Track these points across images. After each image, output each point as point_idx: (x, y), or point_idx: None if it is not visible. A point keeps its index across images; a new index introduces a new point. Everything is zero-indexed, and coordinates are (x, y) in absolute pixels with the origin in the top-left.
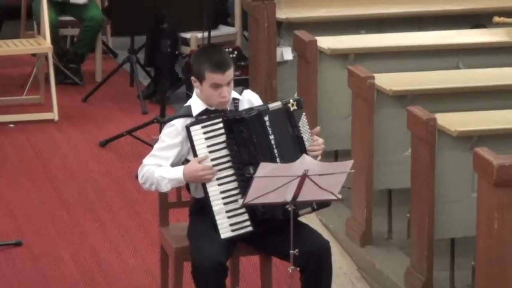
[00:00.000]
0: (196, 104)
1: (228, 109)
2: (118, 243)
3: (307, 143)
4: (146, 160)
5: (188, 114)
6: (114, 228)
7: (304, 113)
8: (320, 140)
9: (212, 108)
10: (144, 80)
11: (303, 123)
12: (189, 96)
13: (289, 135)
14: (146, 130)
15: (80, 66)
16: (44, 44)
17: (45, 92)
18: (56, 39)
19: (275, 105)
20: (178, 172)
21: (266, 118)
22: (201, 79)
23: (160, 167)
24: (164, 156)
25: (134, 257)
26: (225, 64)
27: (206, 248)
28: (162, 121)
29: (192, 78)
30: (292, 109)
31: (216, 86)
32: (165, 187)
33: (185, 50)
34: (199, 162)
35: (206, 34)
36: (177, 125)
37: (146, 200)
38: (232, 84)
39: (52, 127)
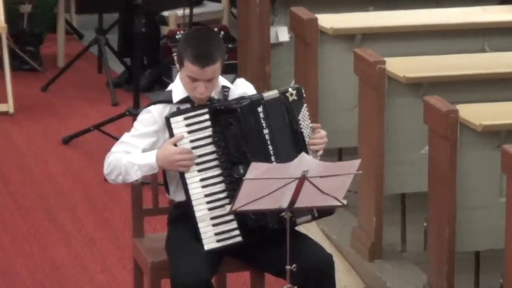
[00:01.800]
0: (177, 89)
1: (216, 98)
2: (84, 257)
3: (307, 140)
4: (114, 148)
5: (167, 100)
6: (80, 239)
7: (305, 105)
8: (323, 133)
9: None
10: (116, 66)
11: (304, 117)
12: (166, 84)
13: (287, 130)
14: (117, 124)
15: (39, 49)
16: None
17: None
18: (16, 17)
19: (270, 94)
20: (150, 157)
21: (260, 109)
22: (180, 63)
23: (129, 154)
24: (135, 144)
25: (102, 273)
26: (208, 58)
27: (187, 263)
28: (135, 114)
29: (176, 57)
30: (291, 99)
31: (193, 79)
32: (135, 175)
33: (163, 30)
34: (175, 144)
35: (187, 11)
36: (154, 111)
37: (117, 206)
38: (215, 81)
39: (6, 120)
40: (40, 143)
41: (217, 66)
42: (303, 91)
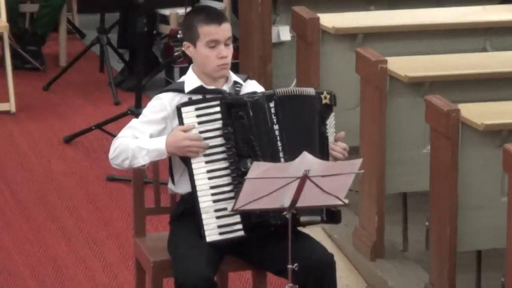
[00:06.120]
0: (190, 80)
1: (228, 91)
2: (86, 256)
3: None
4: (122, 133)
5: (179, 89)
6: (81, 238)
7: (333, 113)
8: (345, 145)
9: (208, 87)
10: (117, 65)
11: (330, 123)
12: (169, 83)
13: (311, 129)
14: (119, 123)
15: (41, 49)
16: None
17: (0, 79)
18: (16, 16)
19: (291, 89)
20: (159, 142)
21: (272, 105)
22: (194, 39)
23: (137, 139)
24: (143, 129)
25: (104, 272)
26: (221, 15)
27: (191, 261)
28: (137, 113)
29: (185, 43)
30: (323, 102)
31: (213, 43)
32: (142, 160)
33: (164, 29)
34: (185, 131)
35: (189, 10)
36: (164, 99)
37: (119, 205)
38: (231, 48)
39: (8, 119)
40: (41, 142)
41: (230, 26)
42: (336, 98)
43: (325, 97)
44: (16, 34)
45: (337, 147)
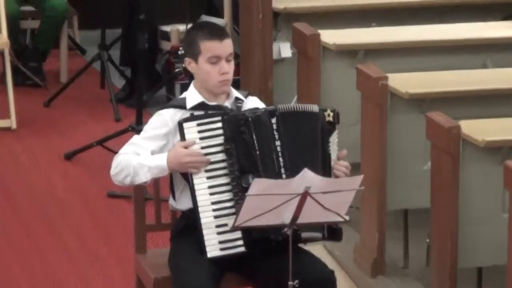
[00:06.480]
0: (191, 96)
1: (229, 107)
2: (87, 272)
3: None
4: (123, 149)
5: (181, 105)
6: (82, 254)
7: (336, 130)
8: (347, 163)
9: (210, 103)
10: (118, 81)
11: (333, 141)
12: (170, 100)
13: (313, 146)
14: (120, 140)
15: (42, 65)
16: None
17: (1, 95)
18: (17, 32)
19: (293, 106)
20: (161, 159)
21: (274, 121)
22: (196, 55)
23: (139, 155)
24: (145, 146)
25: None
26: (223, 31)
27: (191, 276)
28: (138, 129)
29: (186, 59)
30: (327, 119)
31: (215, 59)
32: (144, 177)
33: (165, 45)
34: (186, 147)
35: (190, 26)
36: (166, 115)
37: (120, 221)
38: (233, 64)
39: (9, 136)
40: (42, 159)
41: (231, 42)
42: (339, 116)
43: (329, 115)
44: (17, 51)
45: (340, 166)
